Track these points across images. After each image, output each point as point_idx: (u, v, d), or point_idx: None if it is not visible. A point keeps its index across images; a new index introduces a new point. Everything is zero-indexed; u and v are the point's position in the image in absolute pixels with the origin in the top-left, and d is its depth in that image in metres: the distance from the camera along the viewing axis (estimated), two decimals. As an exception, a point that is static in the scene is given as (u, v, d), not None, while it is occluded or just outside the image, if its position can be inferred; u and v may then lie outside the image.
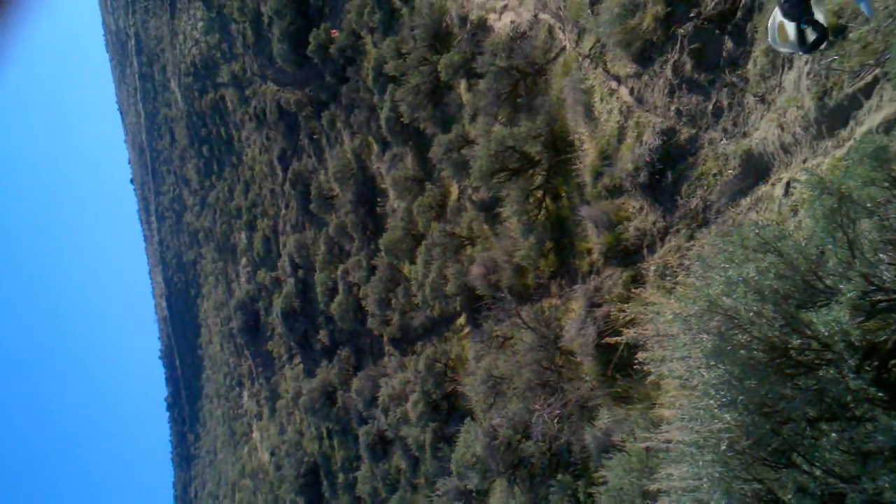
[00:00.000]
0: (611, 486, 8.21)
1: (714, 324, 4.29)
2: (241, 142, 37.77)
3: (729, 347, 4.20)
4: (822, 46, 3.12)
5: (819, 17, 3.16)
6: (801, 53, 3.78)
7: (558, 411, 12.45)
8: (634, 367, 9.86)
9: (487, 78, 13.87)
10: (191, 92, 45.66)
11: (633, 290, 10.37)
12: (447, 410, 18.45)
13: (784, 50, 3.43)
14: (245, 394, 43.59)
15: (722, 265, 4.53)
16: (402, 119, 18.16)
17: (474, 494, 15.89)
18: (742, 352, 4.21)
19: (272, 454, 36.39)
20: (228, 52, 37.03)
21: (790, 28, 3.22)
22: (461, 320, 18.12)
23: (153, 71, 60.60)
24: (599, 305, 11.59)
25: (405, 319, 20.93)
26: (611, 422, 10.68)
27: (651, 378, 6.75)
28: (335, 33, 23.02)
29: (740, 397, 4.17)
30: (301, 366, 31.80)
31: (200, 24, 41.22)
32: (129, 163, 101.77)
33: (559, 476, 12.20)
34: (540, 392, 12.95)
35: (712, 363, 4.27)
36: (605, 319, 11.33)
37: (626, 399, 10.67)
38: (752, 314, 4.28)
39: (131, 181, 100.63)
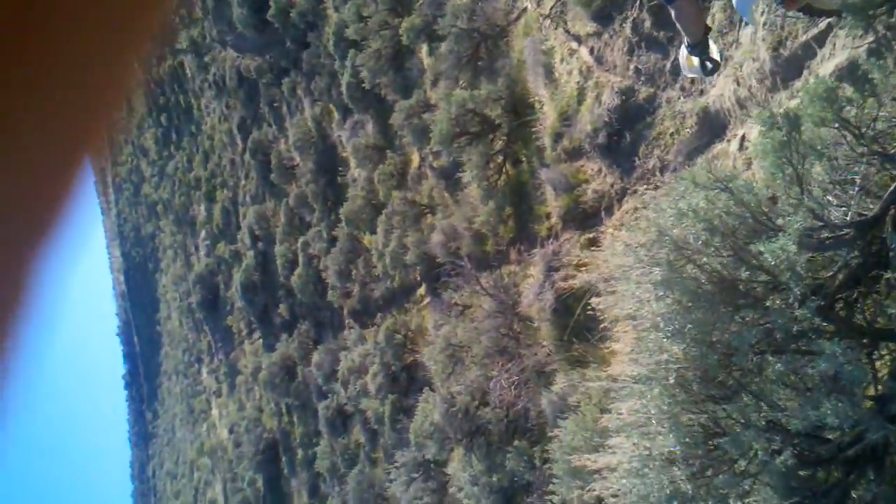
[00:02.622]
0: (564, 442, 8.21)
1: (663, 254, 4.25)
2: (200, 110, 37.10)
3: (677, 277, 4.17)
4: (718, 71, 3.91)
5: (715, 55, 3.80)
6: (703, 77, 4.51)
7: (516, 377, 12.42)
8: (591, 330, 9.89)
9: (449, 41, 13.71)
10: (148, 59, 44.70)
11: (592, 250, 10.35)
12: (406, 382, 18.33)
13: (691, 75, 4.10)
14: (204, 370, 43.06)
15: (673, 198, 4.51)
16: (363, 85, 17.94)
17: (432, 464, 15.82)
18: (690, 282, 4.18)
19: (231, 431, 35.96)
20: (187, 18, 36.33)
21: (695, 60, 3.87)
22: (421, 290, 18.02)
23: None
24: (557, 269, 11.56)
25: (365, 291, 20.77)
26: (567, 386, 10.65)
27: (607, 341, 6.73)
28: (295, -4, 22.69)
29: (688, 326, 4.14)
30: (261, 341, 31.43)
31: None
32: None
33: (516, 442, 12.15)
34: (498, 359, 12.90)
35: (661, 294, 4.24)
36: (563, 284, 11.30)
37: (583, 363, 10.66)
38: (700, 243, 4.25)
39: (88, 158, 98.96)
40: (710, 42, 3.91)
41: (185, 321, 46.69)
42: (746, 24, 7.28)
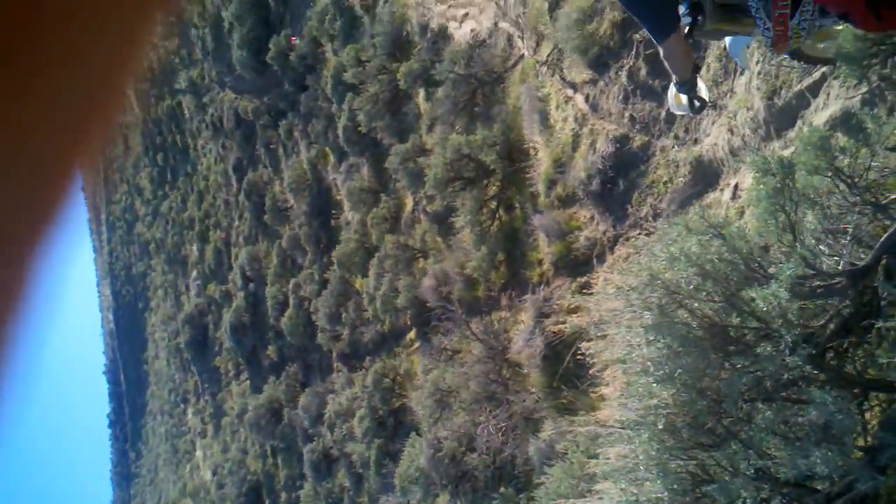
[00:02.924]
0: (550, 488, 8.11)
1: (654, 298, 4.23)
2: (196, 150, 37.33)
3: (668, 322, 4.14)
4: (705, 110, 3.99)
5: (703, 93, 3.88)
6: (691, 115, 4.60)
7: (503, 424, 12.32)
8: (580, 377, 9.83)
9: (446, 85, 13.82)
10: (147, 98, 45.13)
11: (583, 298, 10.32)
12: (393, 426, 18.19)
13: (679, 112, 4.19)
14: (190, 410, 42.79)
15: (666, 242, 4.50)
16: (359, 129, 18.03)
17: (417, 510, 15.64)
18: (681, 327, 4.15)
19: (214, 473, 35.68)
20: (187, 58, 36.70)
21: (683, 98, 3.95)
22: (411, 335, 17.94)
23: (109, 77, 59.74)
24: (548, 316, 11.51)
25: (355, 334, 20.69)
26: (555, 433, 10.55)
27: (596, 387, 6.68)
28: (295, 40, 22.89)
29: (678, 371, 4.10)
30: (248, 382, 31.29)
31: (158, 28, 40.70)
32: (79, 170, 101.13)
33: (502, 489, 12.00)
34: (486, 405, 12.81)
35: (651, 338, 4.21)
36: (554, 331, 11.26)
37: (571, 411, 10.57)
38: (692, 288, 4.23)
39: (82, 189, 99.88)
40: (699, 80, 3.94)
41: (172, 361, 46.46)
42: (741, 73, 7.34)
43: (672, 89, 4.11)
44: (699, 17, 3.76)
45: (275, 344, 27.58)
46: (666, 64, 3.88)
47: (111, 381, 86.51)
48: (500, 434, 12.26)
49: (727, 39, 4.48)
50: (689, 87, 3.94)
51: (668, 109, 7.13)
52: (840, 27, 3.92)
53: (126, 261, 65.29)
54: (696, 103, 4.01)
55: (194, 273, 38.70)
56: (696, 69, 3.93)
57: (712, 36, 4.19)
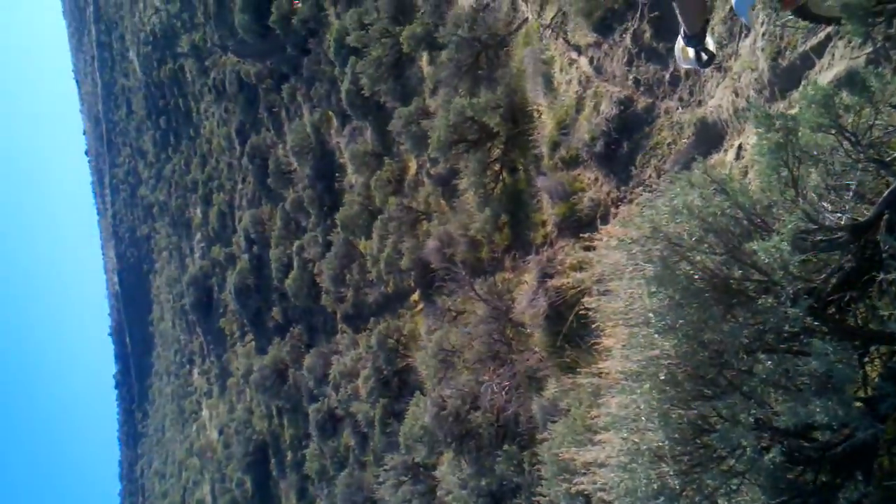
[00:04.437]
0: (553, 444, 8.25)
1: (656, 250, 4.30)
2: (199, 114, 37.33)
3: (670, 274, 4.22)
4: (713, 63, 4.02)
5: (710, 46, 3.90)
6: (699, 69, 4.62)
7: (507, 382, 12.46)
8: (583, 336, 9.93)
9: (449, 49, 13.79)
10: (149, 62, 45.03)
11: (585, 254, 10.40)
12: (398, 386, 18.37)
13: (686, 66, 4.21)
14: (195, 371, 43.22)
15: (669, 196, 4.57)
16: (362, 92, 18.02)
17: (421, 468, 15.85)
18: (683, 279, 4.24)
19: (221, 432, 36.13)
20: (189, 22, 36.54)
21: (690, 51, 3.97)
22: (415, 296, 18.07)
23: (111, 39, 59.71)
24: (551, 276, 11.60)
25: (359, 296, 20.84)
26: (558, 391, 10.68)
27: (598, 340, 6.76)
28: (297, 4, 22.79)
29: (680, 322, 4.19)
30: (253, 343, 31.54)
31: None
32: (83, 133, 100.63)
33: (506, 446, 12.17)
34: (490, 364, 12.94)
35: (653, 290, 4.29)
36: (557, 290, 11.34)
37: (574, 369, 10.68)
38: (694, 240, 4.30)
39: (86, 153, 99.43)
40: (708, 35, 3.97)
41: (177, 322, 46.81)
42: (746, 35, 7.35)
43: (679, 42, 4.14)
44: None
45: (279, 306, 27.75)
46: (678, 12, 3.90)
47: (117, 342, 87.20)
48: (503, 392, 12.41)
49: None
50: (697, 40, 3.97)
51: (674, 67, 7.14)
52: None
53: (130, 223, 65.50)
54: (704, 56, 4.05)
55: (198, 235, 38.87)
56: (707, 23, 3.95)
57: None
